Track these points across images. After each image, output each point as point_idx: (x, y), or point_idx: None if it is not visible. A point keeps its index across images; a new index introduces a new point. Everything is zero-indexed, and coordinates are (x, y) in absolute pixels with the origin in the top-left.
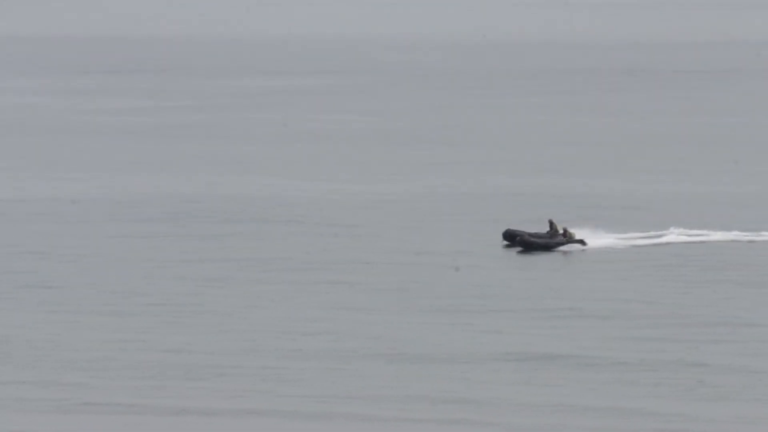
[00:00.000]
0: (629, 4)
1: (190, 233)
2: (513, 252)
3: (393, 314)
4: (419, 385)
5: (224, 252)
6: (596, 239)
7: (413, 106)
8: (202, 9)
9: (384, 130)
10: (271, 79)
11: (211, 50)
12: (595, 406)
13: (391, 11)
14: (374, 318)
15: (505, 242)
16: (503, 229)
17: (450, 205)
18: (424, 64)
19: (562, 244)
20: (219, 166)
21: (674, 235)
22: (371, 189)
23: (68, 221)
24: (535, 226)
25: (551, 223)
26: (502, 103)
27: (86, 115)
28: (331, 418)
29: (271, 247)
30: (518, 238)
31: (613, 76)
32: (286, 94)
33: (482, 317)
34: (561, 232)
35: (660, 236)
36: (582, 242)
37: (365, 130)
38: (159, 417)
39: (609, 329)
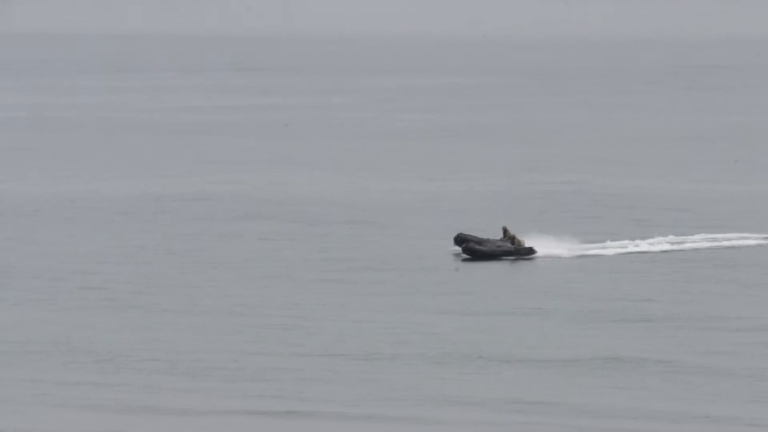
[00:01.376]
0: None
1: (282, 231)
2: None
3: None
4: (444, 385)
5: (286, 252)
6: (547, 248)
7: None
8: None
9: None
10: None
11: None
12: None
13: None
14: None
15: (456, 247)
16: (455, 234)
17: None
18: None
19: (510, 252)
20: (335, 165)
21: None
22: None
23: (148, 220)
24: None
25: (505, 231)
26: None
27: (218, 112)
28: (364, 419)
29: (311, 247)
30: (464, 245)
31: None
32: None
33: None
34: (509, 239)
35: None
36: (531, 250)
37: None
38: (200, 418)
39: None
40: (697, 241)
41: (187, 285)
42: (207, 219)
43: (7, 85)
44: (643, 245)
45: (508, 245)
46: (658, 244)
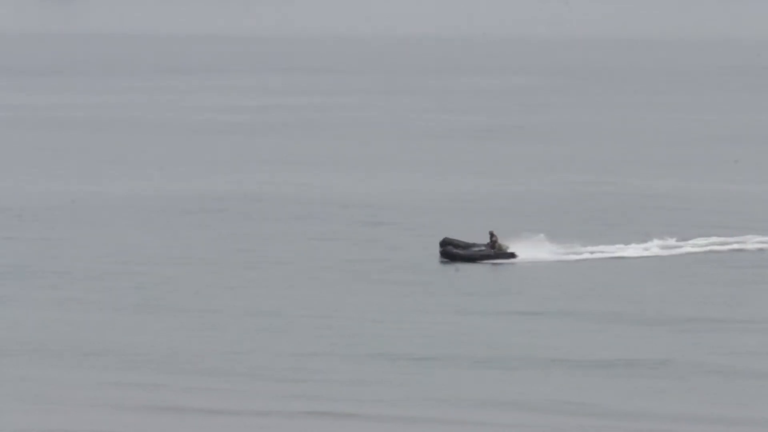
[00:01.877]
0: None
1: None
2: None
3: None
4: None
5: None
6: (531, 252)
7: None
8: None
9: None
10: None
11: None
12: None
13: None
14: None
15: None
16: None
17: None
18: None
19: (490, 256)
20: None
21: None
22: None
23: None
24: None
25: (491, 235)
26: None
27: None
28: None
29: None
30: (441, 249)
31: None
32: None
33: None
34: (490, 243)
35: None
36: (512, 255)
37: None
38: (232, 418)
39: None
40: (748, 242)
41: (210, 286)
42: (248, 220)
43: (64, 84)
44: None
45: (489, 250)
46: (671, 247)
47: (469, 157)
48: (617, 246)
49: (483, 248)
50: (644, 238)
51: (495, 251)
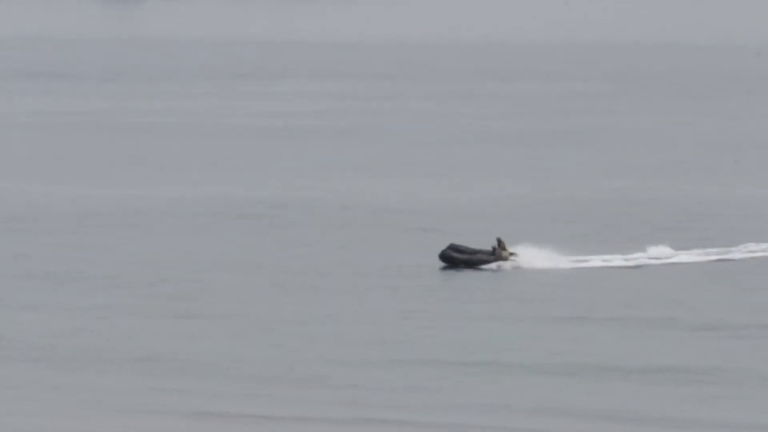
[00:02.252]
0: None
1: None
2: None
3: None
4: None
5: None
6: (534, 259)
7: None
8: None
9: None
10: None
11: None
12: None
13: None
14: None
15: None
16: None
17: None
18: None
19: (488, 261)
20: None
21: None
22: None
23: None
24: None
25: (499, 242)
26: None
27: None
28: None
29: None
30: (440, 252)
31: None
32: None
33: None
34: (490, 249)
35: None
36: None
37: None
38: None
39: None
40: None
41: (254, 292)
42: (285, 226)
43: (122, 90)
44: (686, 255)
45: (489, 256)
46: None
47: (503, 162)
48: (660, 249)
49: (485, 254)
50: (694, 243)
51: (495, 257)
